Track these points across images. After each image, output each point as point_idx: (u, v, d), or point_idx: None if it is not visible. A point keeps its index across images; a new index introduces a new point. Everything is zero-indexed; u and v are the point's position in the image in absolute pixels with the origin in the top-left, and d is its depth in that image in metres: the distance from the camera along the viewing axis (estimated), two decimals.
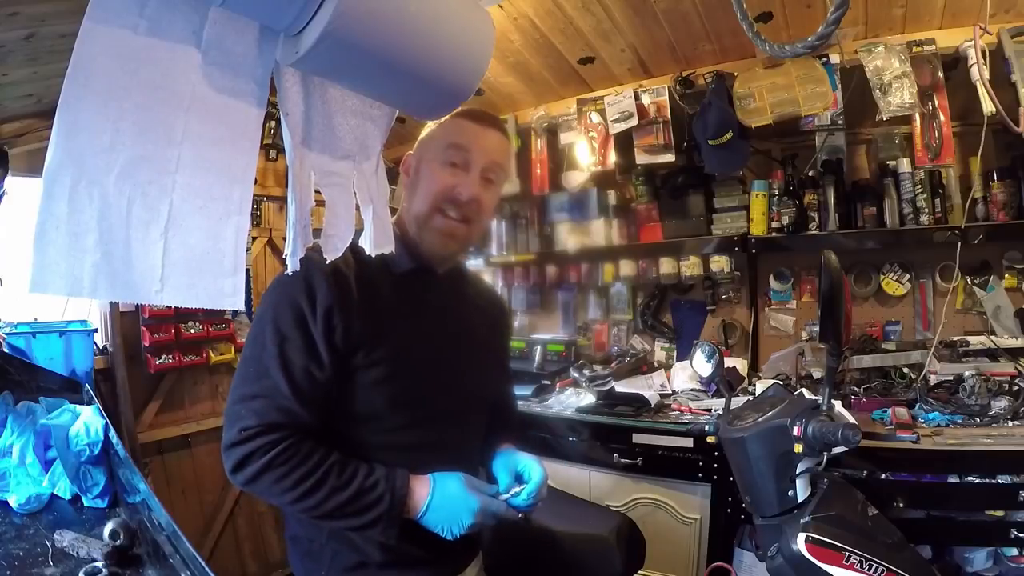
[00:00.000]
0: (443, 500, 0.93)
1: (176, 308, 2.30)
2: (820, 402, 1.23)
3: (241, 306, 0.76)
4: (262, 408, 0.89)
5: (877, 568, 1.09)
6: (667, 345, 2.69)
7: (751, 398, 1.77)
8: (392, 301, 1.00)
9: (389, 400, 0.97)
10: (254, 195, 0.78)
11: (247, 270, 2.62)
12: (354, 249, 0.93)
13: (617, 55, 2.21)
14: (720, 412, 1.79)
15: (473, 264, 2.86)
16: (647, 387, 2.26)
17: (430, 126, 1.09)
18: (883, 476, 1.59)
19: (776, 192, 2.30)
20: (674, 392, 2.25)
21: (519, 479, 1.06)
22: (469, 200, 1.01)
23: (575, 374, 2.33)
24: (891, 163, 2.14)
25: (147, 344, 2.30)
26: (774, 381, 2.05)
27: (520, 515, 1.04)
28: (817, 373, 2.17)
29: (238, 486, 0.91)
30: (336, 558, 0.99)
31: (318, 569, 1.00)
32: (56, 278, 0.65)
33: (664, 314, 2.75)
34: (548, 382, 2.39)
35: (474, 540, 1.12)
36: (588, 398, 2.19)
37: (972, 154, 1.98)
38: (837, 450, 1.14)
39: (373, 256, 0.92)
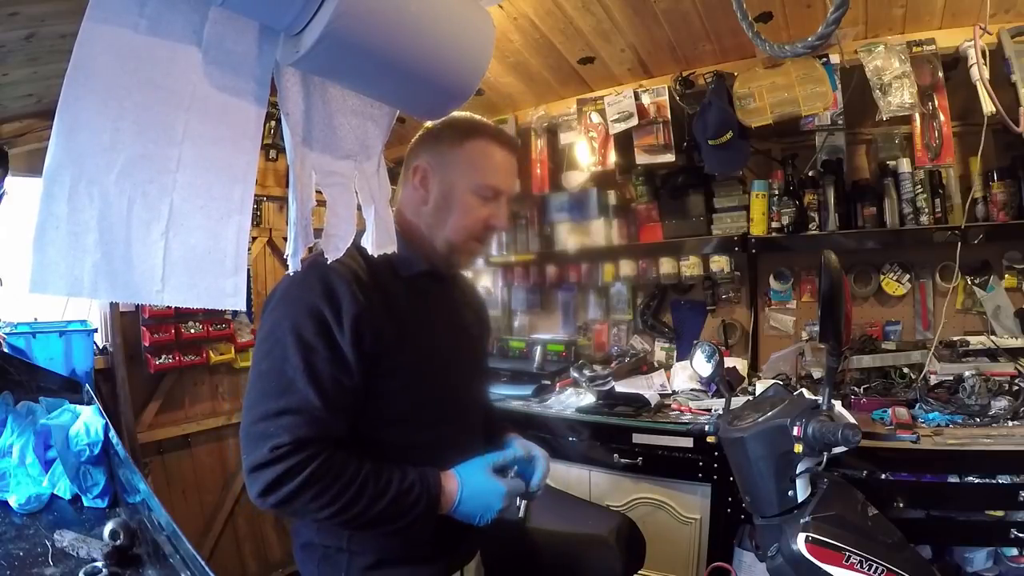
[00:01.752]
0: (473, 491, 0.97)
1: (176, 308, 2.30)
2: (820, 402, 1.23)
3: (242, 306, 0.76)
4: (292, 424, 0.85)
5: (877, 568, 1.08)
6: (667, 345, 2.69)
7: (751, 398, 1.77)
8: (407, 305, 1.01)
9: (415, 402, 1.00)
10: (254, 195, 0.77)
11: (247, 270, 2.62)
12: (361, 252, 0.94)
13: (617, 55, 2.21)
14: (720, 412, 1.79)
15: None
16: (647, 387, 2.26)
17: (451, 139, 1.06)
18: (883, 476, 1.59)
19: (776, 192, 2.30)
20: (674, 392, 2.25)
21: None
22: (502, 229, 1.13)
23: (575, 374, 2.33)
24: (891, 163, 2.14)
25: (147, 344, 2.30)
26: (774, 381, 2.05)
27: (519, 516, 1.06)
28: (817, 373, 2.17)
29: (266, 508, 0.86)
30: (353, 560, 0.99)
31: (336, 573, 0.99)
32: (56, 278, 0.65)
33: (664, 314, 2.75)
34: (548, 382, 2.39)
35: (477, 531, 1.13)
36: (588, 398, 2.19)
37: (972, 154, 1.98)
38: (837, 450, 1.14)
39: (377, 258, 0.92)
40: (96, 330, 2.24)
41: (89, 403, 1.70)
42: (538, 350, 2.62)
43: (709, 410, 2.02)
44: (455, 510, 0.96)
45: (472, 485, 0.97)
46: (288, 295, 0.92)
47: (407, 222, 1.09)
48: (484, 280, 3.02)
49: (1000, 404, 1.69)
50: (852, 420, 1.36)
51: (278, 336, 0.89)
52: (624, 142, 2.38)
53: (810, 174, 2.27)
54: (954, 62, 1.86)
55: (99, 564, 1.04)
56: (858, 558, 1.08)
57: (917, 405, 1.80)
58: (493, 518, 0.99)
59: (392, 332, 0.95)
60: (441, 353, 1.05)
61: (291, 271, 0.81)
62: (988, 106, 1.68)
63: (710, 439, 1.80)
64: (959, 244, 1.95)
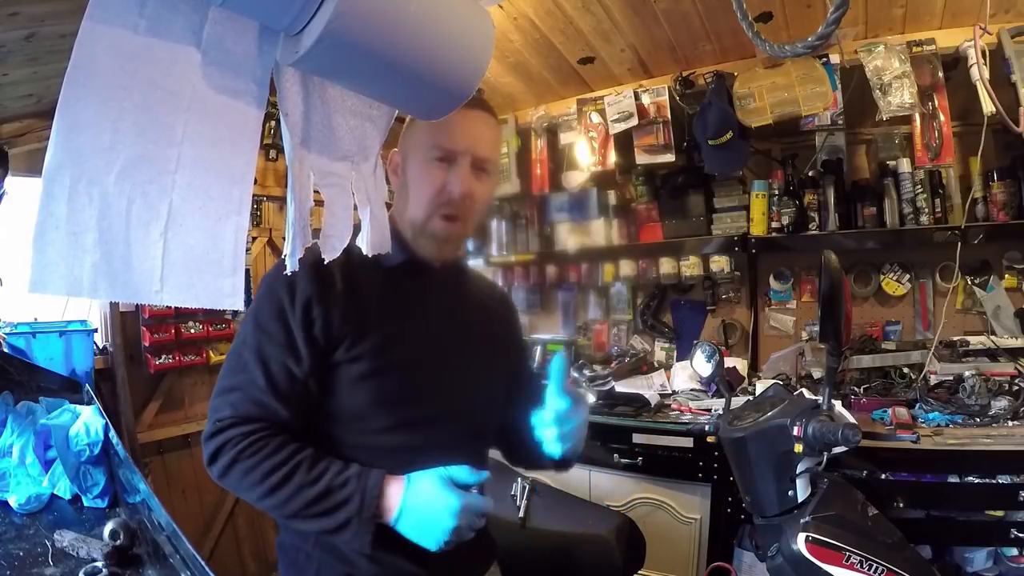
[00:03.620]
0: (418, 501, 0.82)
1: (176, 308, 2.30)
2: (820, 402, 1.23)
3: (241, 306, 0.76)
4: (238, 400, 0.87)
5: (877, 568, 1.08)
6: (667, 345, 2.69)
7: (751, 398, 1.77)
8: (379, 295, 0.94)
9: (372, 399, 0.91)
10: (254, 195, 0.78)
11: (247, 270, 2.62)
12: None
13: (617, 55, 2.21)
14: (720, 412, 1.79)
15: (473, 264, 2.86)
16: (647, 387, 2.26)
17: (411, 118, 1.01)
18: (883, 476, 1.59)
19: (776, 192, 2.30)
20: (674, 392, 2.25)
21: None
22: (462, 196, 0.94)
23: (575, 374, 2.33)
24: (891, 163, 2.14)
25: (147, 344, 2.30)
26: (774, 381, 2.05)
27: (519, 516, 1.04)
28: (817, 373, 2.17)
29: (214, 479, 0.87)
30: (322, 570, 0.92)
31: None
32: (56, 278, 0.65)
33: (664, 314, 2.75)
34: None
35: (479, 552, 1.03)
36: (588, 398, 2.19)
37: (972, 154, 1.98)
38: (837, 450, 1.14)
39: (356, 250, 0.89)
40: (96, 330, 2.24)
41: (89, 403, 1.70)
42: (538, 350, 2.62)
43: (709, 410, 2.02)
44: (397, 521, 0.83)
45: (418, 494, 0.83)
46: (262, 283, 0.94)
47: (392, 216, 1.01)
48: None
49: (1000, 404, 1.69)
50: (852, 420, 1.36)
51: (246, 320, 0.92)
52: (624, 142, 2.38)
53: (810, 174, 2.27)
54: (954, 62, 1.86)
55: (99, 564, 1.04)
56: (858, 558, 1.08)
57: (917, 405, 1.80)
58: (447, 541, 0.81)
59: (350, 319, 0.89)
60: (417, 352, 0.95)
61: (289, 271, 0.80)
62: (988, 106, 1.68)
63: (710, 439, 1.81)
64: (959, 244, 1.95)
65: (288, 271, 0.79)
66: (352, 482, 0.83)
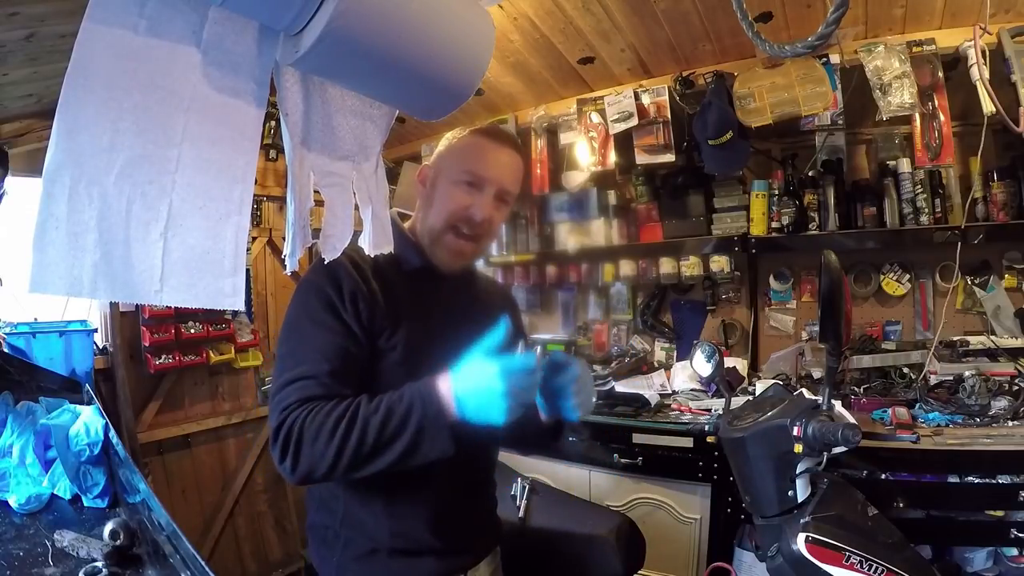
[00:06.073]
0: (467, 381, 0.85)
1: (176, 308, 2.30)
2: (820, 402, 1.23)
3: (241, 306, 0.76)
4: (302, 386, 0.91)
5: (877, 568, 1.08)
6: (667, 345, 2.69)
7: (751, 398, 1.77)
8: (404, 294, 1.04)
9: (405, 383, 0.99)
10: (254, 195, 0.78)
11: (247, 270, 2.62)
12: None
13: (617, 55, 2.21)
14: (720, 412, 1.79)
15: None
16: (647, 387, 2.26)
17: (448, 140, 1.13)
18: (883, 476, 1.59)
19: (776, 192, 2.30)
20: (674, 392, 2.25)
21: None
22: (482, 221, 1.05)
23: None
24: (891, 163, 2.14)
25: (147, 344, 2.30)
26: (774, 381, 2.05)
27: (519, 516, 1.06)
28: (817, 373, 2.17)
29: (294, 481, 0.88)
30: (348, 546, 1.02)
31: (331, 556, 1.04)
32: (56, 278, 0.65)
33: (664, 314, 2.75)
34: None
35: (489, 532, 1.16)
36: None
37: (972, 154, 1.98)
38: (837, 450, 1.14)
39: (382, 255, 0.96)
40: (96, 330, 2.24)
41: (89, 403, 1.70)
42: (538, 350, 2.61)
43: (709, 410, 2.02)
44: (459, 405, 0.85)
45: (465, 376, 0.86)
46: (301, 286, 1.02)
47: (413, 227, 1.13)
48: None
49: (1000, 404, 1.69)
50: (852, 420, 1.36)
51: (291, 320, 0.99)
52: (624, 142, 2.37)
53: (810, 174, 2.26)
54: (954, 62, 1.86)
55: (99, 564, 1.04)
56: (858, 558, 1.08)
57: (917, 405, 1.80)
58: (510, 407, 0.82)
59: (387, 315, 0.99)
60: (435, 348, 1.02)
61: (288, 271, 0.82)
62: (988, 106, 1.67)
63: (710, 439, 1.80)
64: (959, 244, 1.95)
65: (288, 271, 0.82)
66: (407, 392, 0.88)
